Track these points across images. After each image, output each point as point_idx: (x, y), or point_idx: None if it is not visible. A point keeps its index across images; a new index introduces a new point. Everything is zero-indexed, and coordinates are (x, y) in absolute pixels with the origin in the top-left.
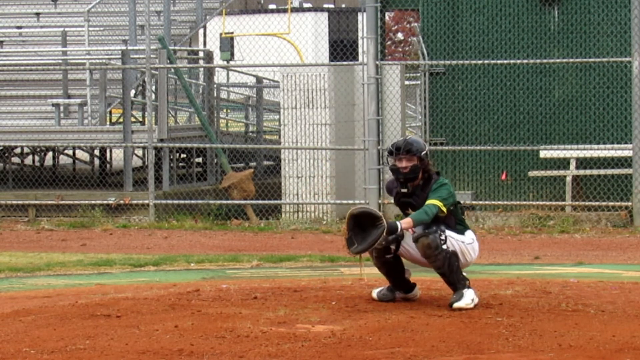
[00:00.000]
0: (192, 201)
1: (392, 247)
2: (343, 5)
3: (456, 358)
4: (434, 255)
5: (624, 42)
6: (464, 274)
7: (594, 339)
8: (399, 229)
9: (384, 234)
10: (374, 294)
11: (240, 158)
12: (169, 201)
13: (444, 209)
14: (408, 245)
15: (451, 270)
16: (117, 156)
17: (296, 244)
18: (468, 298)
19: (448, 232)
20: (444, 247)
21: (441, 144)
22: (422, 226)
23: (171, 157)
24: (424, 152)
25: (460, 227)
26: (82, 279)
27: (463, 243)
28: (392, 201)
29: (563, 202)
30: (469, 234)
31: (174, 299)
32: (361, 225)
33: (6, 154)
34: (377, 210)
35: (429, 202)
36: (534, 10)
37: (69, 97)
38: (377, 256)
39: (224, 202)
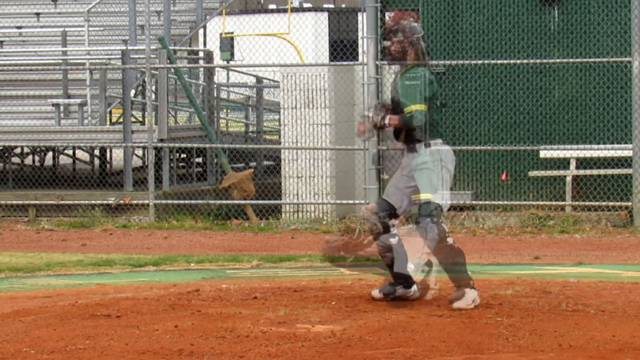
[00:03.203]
0: (192, 201)
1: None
2: (343, 5)
3: (456, 358)
4: (439, 248)
5: (624, 42)
6: (469, 272)
7: (594, 339)
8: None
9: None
10: (374, 294)
11: (240, 158)
12: (169, 201)
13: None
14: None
15: (454, 265)
16: (117, 156)
17: (296, 244)
18: (469, 298)
19: (424, 172)
20: (449, 240)
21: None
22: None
23: (171, 157)
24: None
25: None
26: (82, 279)
27: (439, 163)
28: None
29: (563, 202)
30: (437, 147)
31: (174, 299)
32: None
33: (6, 154)
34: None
35: (407, 110)
36: (534, 10)
37: (69, 97)
38: (376, 238)
39: (224, 202)
